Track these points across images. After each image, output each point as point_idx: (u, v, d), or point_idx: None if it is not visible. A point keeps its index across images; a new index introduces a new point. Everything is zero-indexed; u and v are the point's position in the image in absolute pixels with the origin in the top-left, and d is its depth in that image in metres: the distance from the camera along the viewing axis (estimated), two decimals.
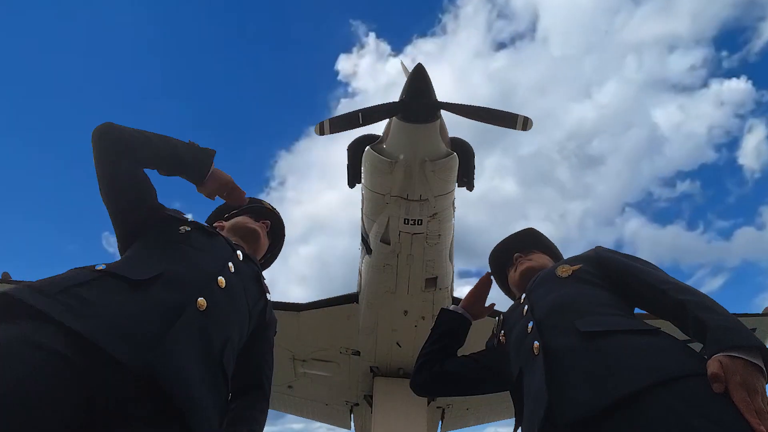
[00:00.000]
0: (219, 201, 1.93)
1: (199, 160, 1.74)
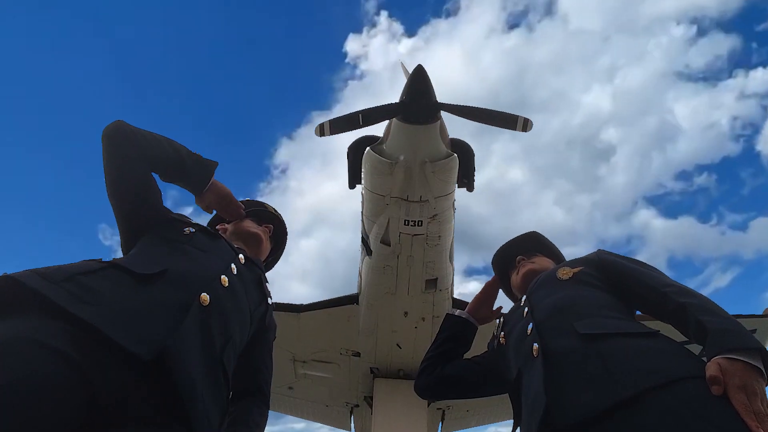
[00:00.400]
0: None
1: (202, 169, 1.77)
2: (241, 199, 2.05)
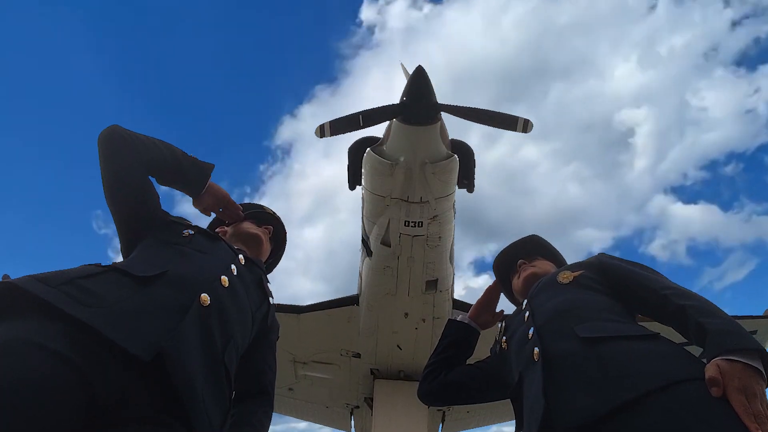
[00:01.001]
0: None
1: (199, 171, 1.78)
2: (238, 201, 2.06)
